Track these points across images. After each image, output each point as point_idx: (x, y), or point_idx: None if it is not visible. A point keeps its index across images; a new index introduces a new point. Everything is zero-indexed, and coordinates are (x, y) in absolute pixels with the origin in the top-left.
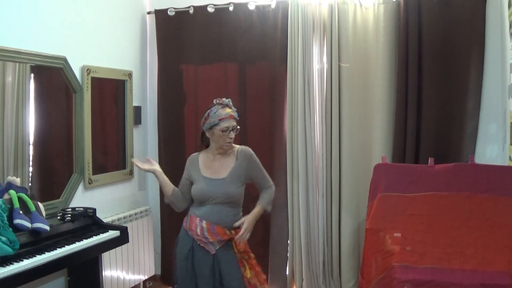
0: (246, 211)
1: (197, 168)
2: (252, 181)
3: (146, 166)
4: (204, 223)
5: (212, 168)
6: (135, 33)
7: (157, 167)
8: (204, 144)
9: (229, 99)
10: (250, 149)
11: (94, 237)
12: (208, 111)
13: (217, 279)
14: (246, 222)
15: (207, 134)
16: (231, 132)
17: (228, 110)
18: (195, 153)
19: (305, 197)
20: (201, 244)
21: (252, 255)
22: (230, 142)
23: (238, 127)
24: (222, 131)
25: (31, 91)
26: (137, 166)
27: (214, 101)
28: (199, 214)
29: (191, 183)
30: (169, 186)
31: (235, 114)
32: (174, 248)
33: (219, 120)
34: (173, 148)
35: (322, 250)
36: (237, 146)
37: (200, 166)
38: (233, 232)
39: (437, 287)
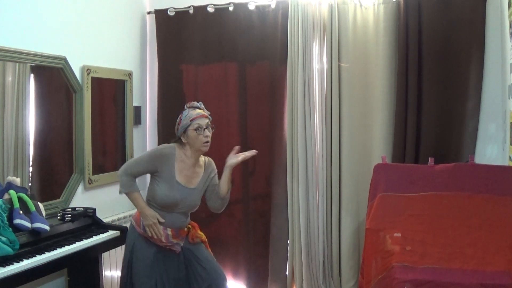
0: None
1: (172, 167)
2: (207, 190)
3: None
4: (169, 231)
5: (186, 176)
6: (135, 33)
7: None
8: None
9: (200, 102)
10: (213, 163)
11: (94, 237)
12: (180, 115)
13: (193, 269)
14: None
15: (183, 140)
16: (205, 130)
17: (198, 110)
18: (170, 145)
19: (305, 197)
20: (167, 248)
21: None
22: (207, 142)
23: (213, 124)
24: (195, 130)
25: (31, 91)
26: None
27: (185, 106)
28: (164, 223)
29: (152, 173)
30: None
31: (207, 113)
32: (126, 252)
33: (191, 120)
34: None
35: (322, 250)
36: (203, 157)
37: (176, 168)
38: (189, 226)
39: (437, 287)
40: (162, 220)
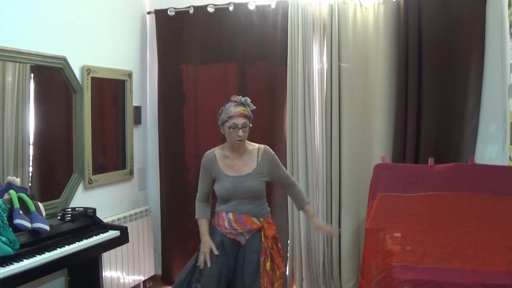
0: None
1: (218, 167)
2: (274, 181)
3: None
4: (230, 215)
5: (234, 167)
6: (135, 33)
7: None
8: (222, 139)
9: (246, 98)
10: (271, 150)
11: (94, 237)
12: (223, 107)
13: (239, 267)
14: (321, 223)
15: (221, 131)
16: (240, 130)
17: (239, 108)
18: (210, 151)
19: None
20: (231, 236)
21: (277, 246)
22: (240, 140)
23: (250, 125)
24: (230, 128)
25: (31, 91)
26: None
27: (231, 98)
28: (225, 208)
29: (213, 181)
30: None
31: (248, 112)
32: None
33: (228, 117)
34: (173, 148)
35: (322, 250)
36: (257, 146)
37: (221, 166)
38: (261, 219)
39: (437, 287)
40: (216, 252)
